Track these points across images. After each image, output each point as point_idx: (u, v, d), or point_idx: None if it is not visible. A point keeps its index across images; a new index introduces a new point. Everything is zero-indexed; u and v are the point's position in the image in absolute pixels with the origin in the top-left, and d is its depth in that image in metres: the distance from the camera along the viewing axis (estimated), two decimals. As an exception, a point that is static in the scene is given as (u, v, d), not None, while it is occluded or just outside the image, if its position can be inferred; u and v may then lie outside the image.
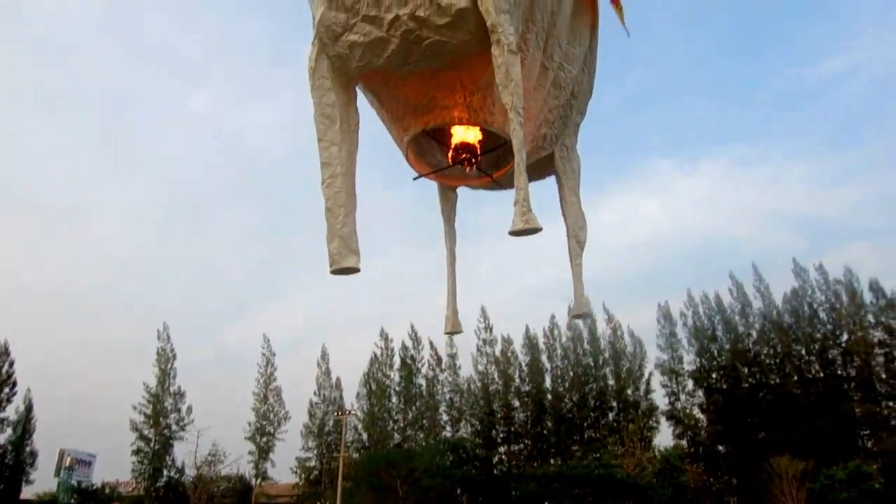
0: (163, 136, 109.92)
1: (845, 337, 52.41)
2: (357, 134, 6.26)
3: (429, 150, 7.15)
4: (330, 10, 5.69)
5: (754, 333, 55.93)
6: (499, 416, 58.70)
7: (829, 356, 52.43)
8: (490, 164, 7.24)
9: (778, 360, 53.93)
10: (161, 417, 56.00)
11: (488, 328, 62.01)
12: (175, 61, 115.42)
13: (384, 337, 63.11)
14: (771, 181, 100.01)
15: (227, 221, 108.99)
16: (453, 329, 8.18)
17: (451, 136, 6.78)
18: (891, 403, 48.61)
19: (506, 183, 5.67)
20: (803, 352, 53.53)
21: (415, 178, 7.44)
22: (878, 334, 50.38)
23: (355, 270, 5.98)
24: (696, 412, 55.23)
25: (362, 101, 6.79)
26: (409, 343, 62.65)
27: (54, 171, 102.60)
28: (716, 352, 56.41)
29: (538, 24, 6.41)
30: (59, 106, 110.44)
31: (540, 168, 8.01)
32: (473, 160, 6.80)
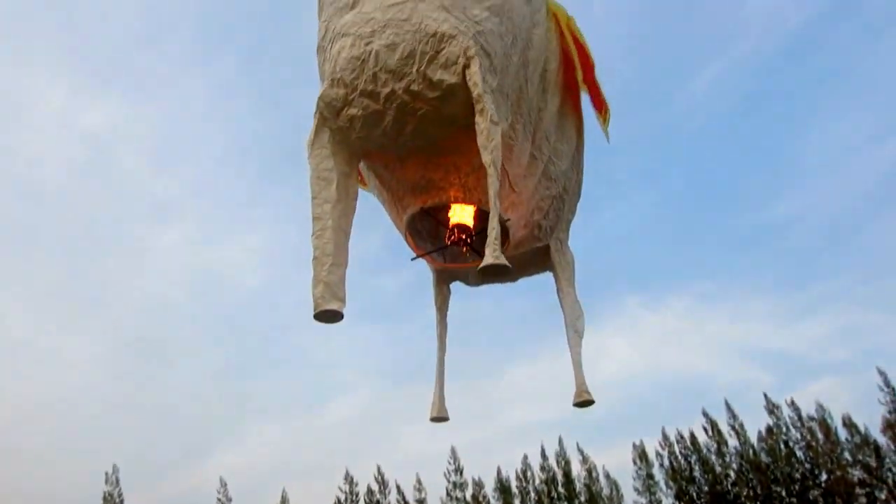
0: (123, 274, 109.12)
1: (824, 476, 51.27)
2: (354, 202, 6.19)
3: (426, 235, 7.24)
4: (332, 87, 5.90)
5: (732, 474, 54.39)
6: (470, 568, 54.63)
7: (811, 497, 50.87)
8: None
9: (759, 503, 52.12)
10: (103, 573, 50.57)
11: (458, 470, 59.30)
12: (148, 201, 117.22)
13: (349, 480, 59.62)
14: (734, 317, 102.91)
15: (187, 362, 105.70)
16: (439, 415, 7.81)
17: (448, 219, 6.87)
18: (879, 548, 46.77)
19: (500, 268, 5.65)
20: (783, 493, 51.89)
21: (413, 259, 7.50)
22: (856, 473, 49.42)
23: (339, 316, 5.65)
24: (679, 561, 52.27)
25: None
26: (374, 487, 59.24)
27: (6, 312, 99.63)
28: (694, 494, 54.33)
29: (525, 116, 6.77)
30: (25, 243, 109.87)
31: (537, 261, 8.26)
32: (469, 240, 6.85)
